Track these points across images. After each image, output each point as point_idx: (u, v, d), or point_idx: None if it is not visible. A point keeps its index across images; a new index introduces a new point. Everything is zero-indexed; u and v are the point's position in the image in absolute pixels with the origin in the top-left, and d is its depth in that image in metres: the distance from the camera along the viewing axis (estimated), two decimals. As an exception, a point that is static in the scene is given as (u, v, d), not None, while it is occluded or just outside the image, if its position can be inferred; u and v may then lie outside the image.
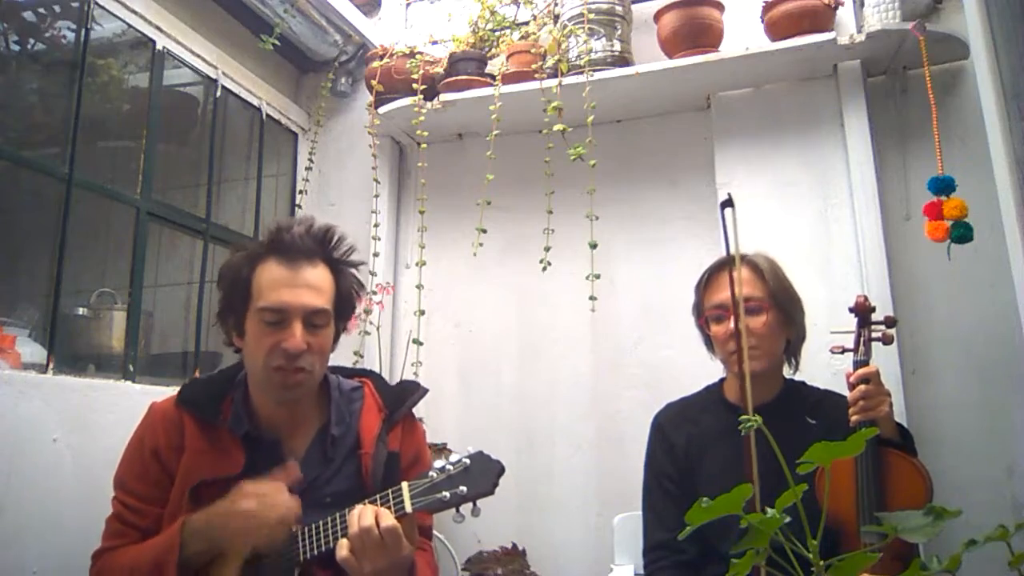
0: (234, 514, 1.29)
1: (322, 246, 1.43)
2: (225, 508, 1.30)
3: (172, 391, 1.53)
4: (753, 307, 1.58)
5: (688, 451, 1.65)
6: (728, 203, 1.08)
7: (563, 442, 2.45)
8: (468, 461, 1.25)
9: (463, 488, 1.23)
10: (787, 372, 1.73)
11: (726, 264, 1.64)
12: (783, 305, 1.61)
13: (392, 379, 2.46)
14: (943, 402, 2.08)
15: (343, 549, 1.22)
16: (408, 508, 1.24)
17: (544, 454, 2.45)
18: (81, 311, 2.08)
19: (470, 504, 1.24)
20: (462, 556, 2.35)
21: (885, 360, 2.02)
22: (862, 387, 1.44)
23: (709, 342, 1.73)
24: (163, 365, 2.39)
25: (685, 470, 1.63)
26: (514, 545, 2.37)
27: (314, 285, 1.39)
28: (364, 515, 1.23)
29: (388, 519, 1.22)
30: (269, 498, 1.30)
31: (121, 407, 1.87)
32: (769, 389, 1.64)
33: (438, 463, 1.27)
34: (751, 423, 0.77)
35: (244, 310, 1.39)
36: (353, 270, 1.50)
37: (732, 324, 1.56)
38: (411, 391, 1.55)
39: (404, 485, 1.26)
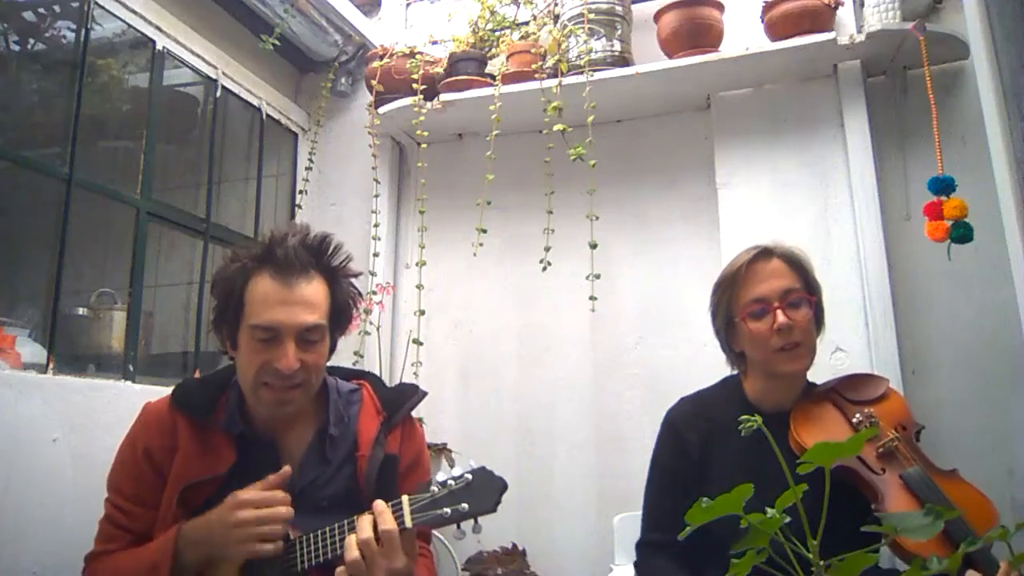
0: (228, 523, 1.26)
1: (317, 257, 1.40)
2: (219, 516, 1.27)
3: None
4: (795, 300, 1.47)
5: (702, 448, 1.54)
6: None
7: (563, 442, 2.45)
8: (470, 477, 1.24)
9: (464, 505, 1.21)
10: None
11: (759, 257, 1.52)
12: (818, 296, 1.53)
13: (392, 379, 2.47)
14: (943, 401, 2.08)
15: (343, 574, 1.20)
16: (408, 523, 1.22)
17: (544, 454, 2.45)
18: (81, 311, 2.08)
19: (471, 520, 1.23)
20: (462, 556, 2.35)
21: (886, 360, 2.03)
22: None
23: (729, 346, 1.59)
24: (163, 365, 2.39)
25: (696, 468, 1.52)
26: (514, 545, 2.37)
27: (308, 301, 1.35)
28: (363, 528, 1.21)
29: (387, 523, 1.21)
30: (264, 508, 1.27)
31: (121, 407, 1.87)
32: (796, 391, 1.55)
33: (440, 476, 1.25)
34: (751, 423, 0.77)
35: (237, 324, 1.37)
36: (351, 279, 1.47)
37: (781, 317, 1.45)
38: (409, 394, 1.54)
39: (405, 499, 1.25)
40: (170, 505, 1.34)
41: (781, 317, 1.45)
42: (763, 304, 1.48)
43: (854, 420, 1.46)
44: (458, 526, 1.24)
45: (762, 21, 2.29)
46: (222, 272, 1.40)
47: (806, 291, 1.50)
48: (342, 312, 1.45)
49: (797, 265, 1.52)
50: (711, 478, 1.51)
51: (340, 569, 1.20)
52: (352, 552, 1.20)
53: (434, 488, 1.24)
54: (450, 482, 1.24)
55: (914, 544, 1.26)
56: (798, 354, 1.47)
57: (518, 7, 2.68)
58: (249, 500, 1.27)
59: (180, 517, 1.32)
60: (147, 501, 1.37)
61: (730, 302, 1.54)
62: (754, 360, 1.54)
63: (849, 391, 1.53)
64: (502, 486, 1.24)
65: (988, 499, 1.38)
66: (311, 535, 1.29)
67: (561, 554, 2.36)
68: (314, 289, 1.37)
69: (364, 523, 1.22)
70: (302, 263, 1.36)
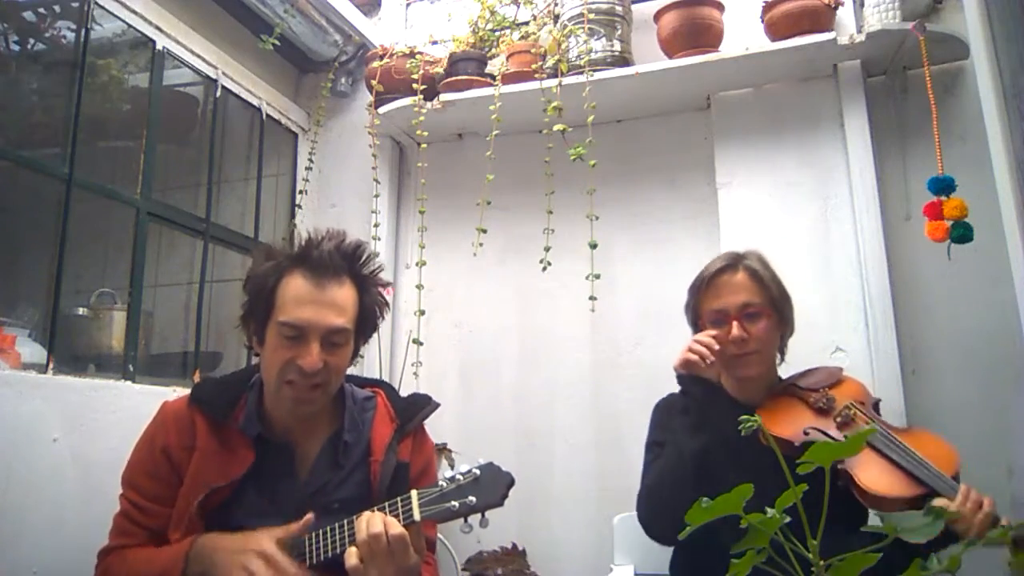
0: (237, 560, 1.25)
1: (350, 263, 1.43)
2: (234, 547, 1.27)
3: (171, 391, 1.53)
4: (753, 312, 1.58)
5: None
6: None
7: (563, 442, 2.45)
8: (478, 472, 1.26)
9: (472, 498, 1.24)
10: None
11: (726, 269, 1.64)
12: (780, 307, 1.62)
13: (392, 379, 2.47)
14: (943, 402, 2.08)
15: (352, 557, 1.22)
16: (416, 516, 1.25)
17: (544, 454, 2.45)
18: (81, 311, 2.08)
19: (478, 514, 1.25)
20: (462, 556, 2.35)
21: (886, 360, 2.03)
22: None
23: None
24: (163, 365, 2.39)
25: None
26: (514, 545, 2.37)
27: (337, 304, 1.38)
28: (373, 522, 1.23)
29: (396, 527, 1.22)
30: (277, 570, 1.25)
31: (121, 407, 1.87)
32: (765, 387, 1.65)
33: (448, 472, 1.28)
34: (751, 423, 0.77)
35: (266, 320, 1.39)
36: (380, 289, 1.50)
37: (736, 330, 1.56)
38: (423, 404, 1.56)
39: (413, 493, 1.27)
40: (187, 505, 1.35)
41: (736, 330, 1.56)
42: (720, 315, 1.60)
43: (811, 400, 1.56)
44: (465, 520, 1.26)
45: (762, 21, 2.29)
46: (256, 269, 1.43)
47: (768, 305, 1.59)
48: (369, 319, 1.48)
49: (761, 280, 1.61)
50: (714, 483, 1.52)
51: (352, 551, 1.22)
52: (351, 559, 1.21)
53: (442, 483, 1.27)
54: (458, 477, 1.26)
55: (872, 484, 1.36)
56: (751, 361, 1.59)
57: (518, 7, 2.68)
58: (271, 559, 1.25)
59: (196, 518, 1.34)
60: (164, 498, 1.39)
61: (696, 307, 1.67)
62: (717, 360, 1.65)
63: (805, 381, 1.63)
64: (509, 480, 1.26)
65: (951, 446, 1.46)
66: (320, 531, 1.30)
67: (561, 554, 2.36)
68: (344, 293, 1.40)
69: (376, 517, 1.24)
70: (335, 267, 1.40)
